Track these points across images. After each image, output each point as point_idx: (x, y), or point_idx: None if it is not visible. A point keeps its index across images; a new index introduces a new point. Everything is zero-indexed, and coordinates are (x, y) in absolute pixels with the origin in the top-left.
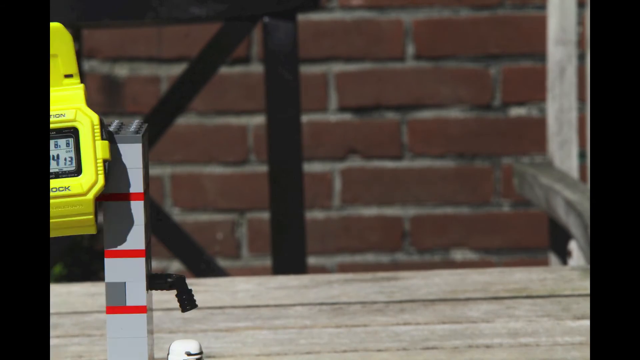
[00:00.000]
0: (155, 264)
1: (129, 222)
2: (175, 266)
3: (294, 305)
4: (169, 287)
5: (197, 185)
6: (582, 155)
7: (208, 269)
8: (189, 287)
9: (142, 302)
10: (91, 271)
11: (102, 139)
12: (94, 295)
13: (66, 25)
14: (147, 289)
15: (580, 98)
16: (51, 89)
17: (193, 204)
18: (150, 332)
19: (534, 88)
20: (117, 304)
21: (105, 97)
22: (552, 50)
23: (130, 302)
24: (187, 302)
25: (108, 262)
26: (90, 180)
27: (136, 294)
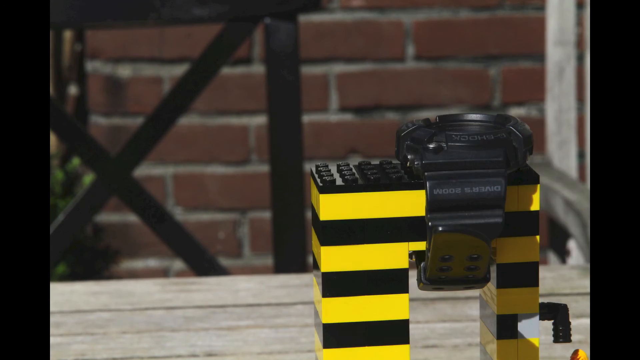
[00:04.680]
0: (158, 263)
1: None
2: (177, 265)
3: (295, 303)
4: (551, 317)
5: (199, 184)
6: (580, 155)
7: (210, 267)
8: (569, 321)
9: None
10: (94, 270)
11: None
12: (97, 294)
13: (69, 25)
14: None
15: (579, 98)
16: None
17: (195, 203)
18: None
19: (533, 88)
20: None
21: (108, 97)
22: (551, 51)
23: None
24: (562, 334)
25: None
26: None
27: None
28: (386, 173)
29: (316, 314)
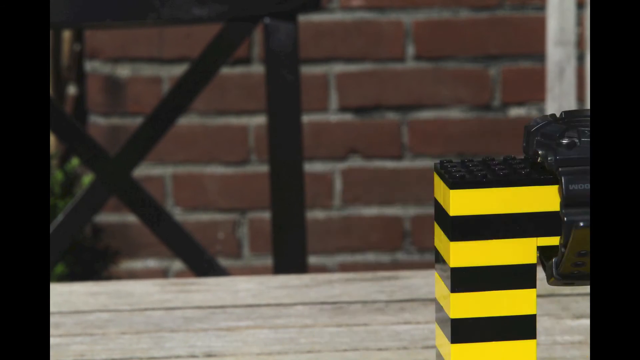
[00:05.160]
0: (157, 264)
1: None
2: (176, 265)
3: (295, 304)
4: None
5: (198, 185)
6: None
7: (209, 268)
8: None
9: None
10: (93, 270)
11: None
12: (96, 295)
13: (68, 25)
14: None
15: (579, 98)
16: None
17: (194, 203)
18: None
19: (533, 88)
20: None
21: (107, 97)
22: (551, 51)
23: None
24: None
25: None
26: None
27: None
28: (514, 169)
29: (439, 309)
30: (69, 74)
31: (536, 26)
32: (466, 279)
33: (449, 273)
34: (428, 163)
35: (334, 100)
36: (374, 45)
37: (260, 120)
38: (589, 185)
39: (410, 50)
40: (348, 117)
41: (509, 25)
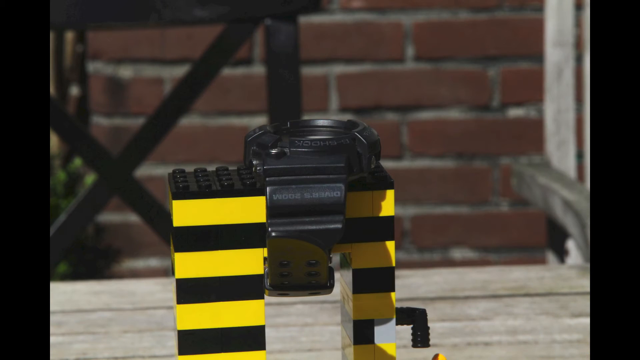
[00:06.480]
0: (159, 263)
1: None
2: None
3: (296, 303)
4: (409, 322)
5: None
6: (579, 155)
7: None
8: (427, 325)
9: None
10: (96, 269)
11: None
12: (98, 294)
13: (69, 26)
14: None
15: (578, 99)
16: None
17: None
18: None
19: (531, 89)
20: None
21: (109, 98)
22: (549, 52)
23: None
24: (420, 339)
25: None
26: None
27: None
28: (241, 179)
29: (174, 319)
30: (71, 74)
31: (535, 27)
32: (192, 290)
33: (174, 285)
34: (428, 163)
35: (334, 101)
36: (374, 46)
37: (261, 120)
38: (293, 195)
39: (410, 51)
40: (348, 117)
41: (508, 27)
